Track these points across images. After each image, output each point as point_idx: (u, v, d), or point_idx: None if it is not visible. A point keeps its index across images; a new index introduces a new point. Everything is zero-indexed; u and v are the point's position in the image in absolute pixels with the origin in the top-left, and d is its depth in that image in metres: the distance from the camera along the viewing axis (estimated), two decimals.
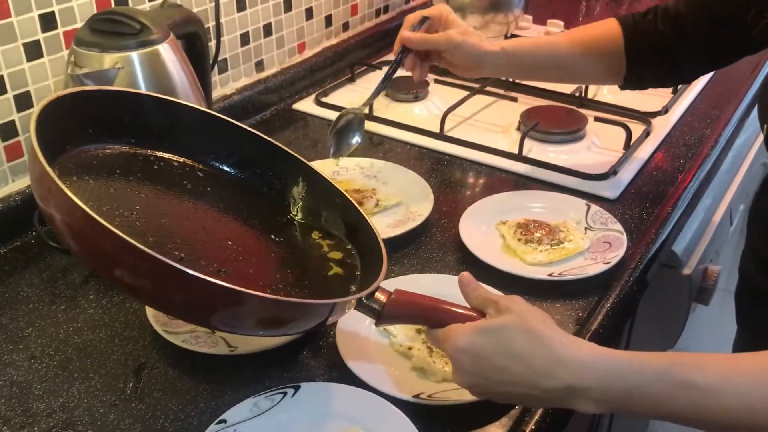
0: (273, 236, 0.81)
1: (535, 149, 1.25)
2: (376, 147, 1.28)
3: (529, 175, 1.18)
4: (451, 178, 1.18)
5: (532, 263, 0.96)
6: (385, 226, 1.03)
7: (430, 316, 0.71)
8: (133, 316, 0.87)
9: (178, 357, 0.82)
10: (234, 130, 0.85)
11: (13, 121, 0.99)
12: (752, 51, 0.96)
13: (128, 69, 0.89)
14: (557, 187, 1.14)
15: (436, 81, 1.45)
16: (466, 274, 0.74)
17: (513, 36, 1.63)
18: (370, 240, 0.80)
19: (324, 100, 1.40)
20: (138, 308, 0.88)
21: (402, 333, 0.83)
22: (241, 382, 0.78)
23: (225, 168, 0.85)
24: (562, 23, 1.72)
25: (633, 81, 1.06)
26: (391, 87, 1.41)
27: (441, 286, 0.89)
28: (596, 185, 1.14)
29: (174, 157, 0.82)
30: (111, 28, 0.89)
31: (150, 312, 0.85)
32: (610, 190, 1.13)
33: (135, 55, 0.89)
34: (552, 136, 1.27)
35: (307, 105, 1.40)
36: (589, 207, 1.06)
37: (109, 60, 0.88)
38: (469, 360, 0.66)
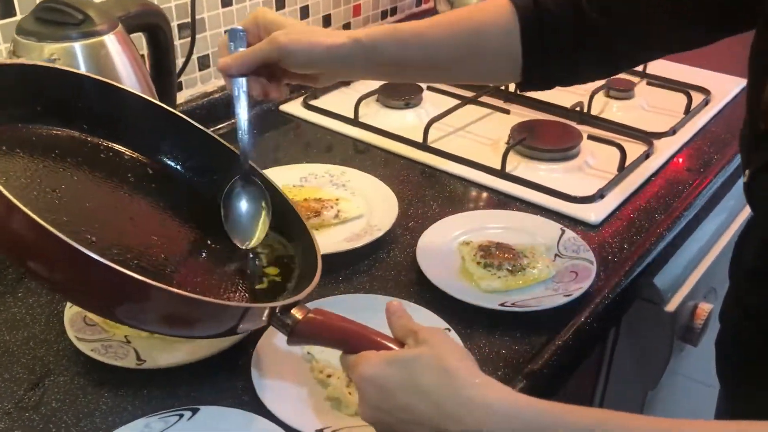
0: (209, 242, 0.78)
1: (522, 166, 1.17)
2: (360, 154, 1.22)
3: (510, 194, 1.10)
4: (427, 192, 1.11)
5: (486, 290, 0.88)
6: (342, 238, 0.97)
7: (346, 341, 0.66)
8: (55, 318, 0.84)
9: (88, 366, 0.77)
10: (195, 133, 0.83)
11: None
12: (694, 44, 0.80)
13: (69, 61, 0.85)
14: (539, 208, 1.07)
15: (429, 88, 1.38)
16: (394, 302, 0.68)
17: None
18: (310, 255, 0.77)
19: (312, 103, 1.35)
20: (62, 311, 0.84)
21: (325, 358, 0.77)
22: (145, 399, 0.74)
23: (179, 170, 0.83)
24: None
25: (535, 81, 0.84)
26: (382, 92, 1.35)
27: (379, 308, 0.84)
28: (580, 208, 1.06)
29: (127, 151, 0.81)
30: (54, 18, 0.85)
31: (67, 316, 0.81)
32: (595, 214, 1.05)
33: (77, 46, 0.85)
34: (542, 153, 1.19)
35: (294, 107, 1.35)
36: (563, 232, 0.98)
37: (48, 50, 0.84)
38: (374, 392, 0.60)
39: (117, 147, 0.80)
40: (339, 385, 0.73)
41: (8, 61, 0.73)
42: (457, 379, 0.58)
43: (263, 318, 0.67)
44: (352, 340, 0.66)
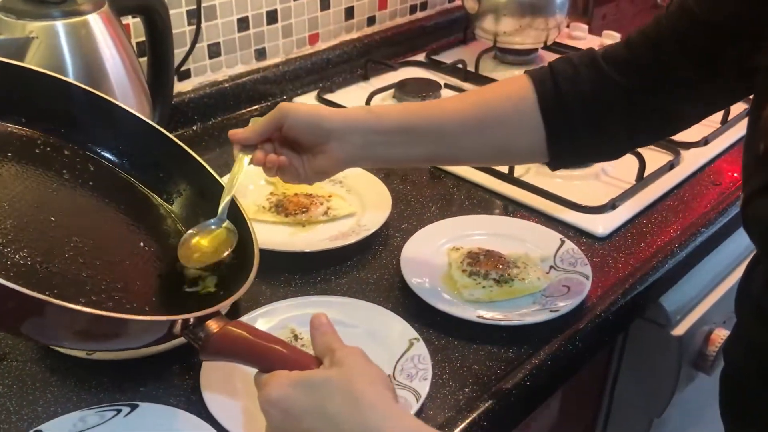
0: (142, 244, 0.72)
1: (533, 171, 1.11)
2: None
3: (516, 200, 1.04)
4: (427, 193, 1.06)
5: (468, 299, 0.83)
6: (326, 237, 0.94)
7: (259, 358, 0.60)
8: None
9: (43, 353, 0.76)
10: (144, 130, 0.78)
11: None
12: (707, 112, 0.77)
13: (51, 41, 0.84)
14: (545, 217, 1.00)
15: (446, 85, 1.33)
16: (319, 315, 0.63)
17: (555, 44, 1.48)
18: (248, 264, 0.70)
19: (327, 96, 1.31)
20: None
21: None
22: (92, 392, 0.71)
23: (124, 166, 0.78)
24: (618, 35, 1.55)
25: (564, 154, 0.78)
26: (399, 88, 1.30)
27: (350, 313, 0.80)
28: (588, 219, 0.99)
29: (68, 146, 0.75)
30: None
31: None
32: (603, 226, 0.98)
33: (59, 25, 0.84)
34: None
35: (308, 100, 1.32)
36: (562, 243, 0.92)
37: (29, 28, 0.83)
38: (278, 415, 0.56)
39: (55, 141, 0.75)
40: None
41: None
42: (364, 406, 0.54)
43: (175, 330, 0.60)
44: (267, 358, 0.60)
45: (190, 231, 0.75)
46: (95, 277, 0.65)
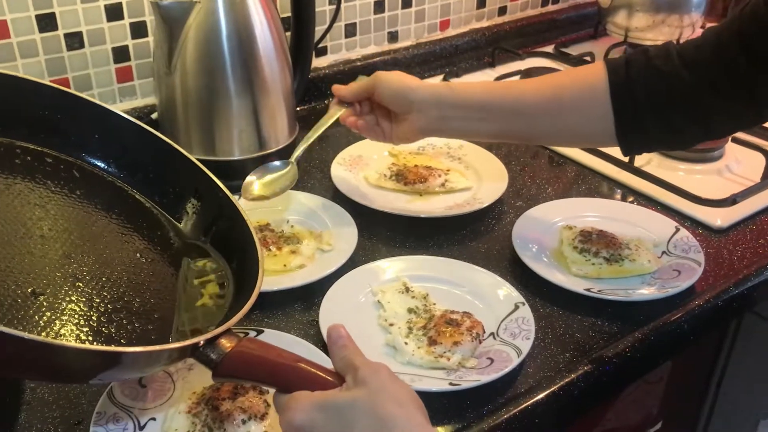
0: (138, 255, 0.68)
1: (655, 163, 1.11)
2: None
3: (633, 188, 1.05)
4: (545, 176, 1.08)
5: (577, 274, 0.85)
6: (441, 206, 0.98)
7: (275, 379, 0.57)
8: None
9: None
10: (126, 127, 0.73)
11: (126, 46, 1.08)
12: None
13: (211, 6, 0.93)
14: (662, 206, 1.00)
15: None
16: (337, 327, 0.59)
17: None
18: (253, 270, 0.65)
19: (454, 80, 1.36)
20: None
21: (391, 308, 0.79)
22: None
23: (111, 170, 0.73)
24: None
25: (632, 141, 0.79)
26: (524, 76, 1.33)
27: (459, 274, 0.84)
28: (706, 211, 0.98)
29: (48, 151, 0.70)
30: None
31: None
32: (721, 219, 0.97)
33: None
34: (679, 152, 1.12)
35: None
36: (677, 230, 0.92)
37: None
38: None
39: (35, 148, 0.69)
40: (397, 335, 0.74)
41: None
42: (393, 427, 0.51)
43: (185, 353, 0.56)
44: (285, 377, 0.57)
45: (254, 171, 0.85)
46: (90, 299, 0.60)
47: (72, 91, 0.72)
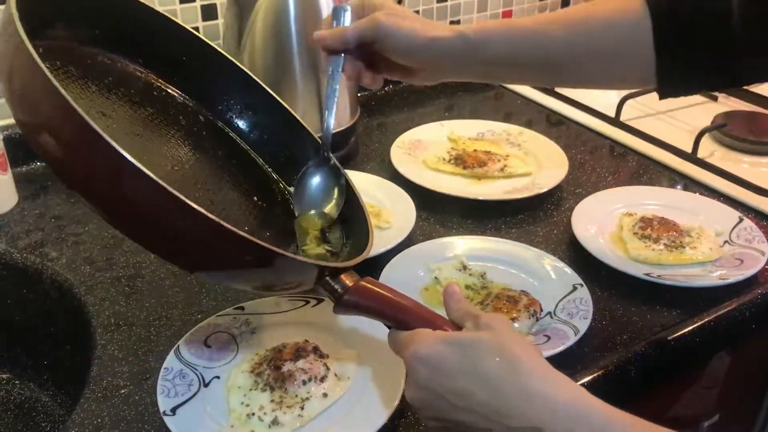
0: (256, 198, 0.72)
1: (718, 154, 1.09)
2: (554, 126, 1.21)
3: (697, 179, 1.03)
4: (606, 164, 1.08)
5: (636, 259, 0.84)
6: (500, 190, 0.99)
7: (396, 315, 0.60)
8: None
9: None
10: (255, 88, 0.77)
11: (197, 28, 1.12)
12: None
13: None
14: (725, 197, 0.99)
15: None
16: (452, 285, 0.62)
17: None
18: (361, 229, 0.70)
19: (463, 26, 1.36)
20: None
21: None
22: None
23: (233, 122, 0.77)
24: None
25: (675, 84, 0.70)
26: None
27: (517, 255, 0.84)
28: None
29: (180, 94, 0.75)
30: None
31: None
32: None
33: None
34: (747, 144, 1.10)
35: None
36: (740, 220, 0.90)
37: None
38: (427, 372, 0.54)
39: (169, 88, 0.74)
40: None
41: None
42: (523, 370, 0.52)
43: (312, 278, 0.60)
44: (404, 316, 0.59)
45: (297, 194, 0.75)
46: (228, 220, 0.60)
47: (213, 44, 0.76)
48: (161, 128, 0.70)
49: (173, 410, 0.63)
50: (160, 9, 0.72)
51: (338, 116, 1.05)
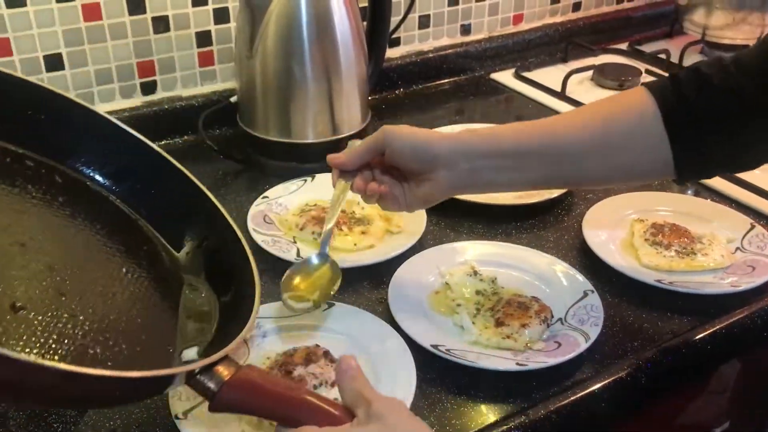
0: (125, 270, 0.63)
1: None
2: None
3: (709, 185, 1.03)
4: None
5: (647, 266, 0.84)
6: (511, 195, 0.98)
7: (282, 410, 0.54)
8: (242, 215, 0.95)
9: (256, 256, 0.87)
10: (114, 132, 0.69)
11: (209, 31, 1.12)
12: None
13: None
14: (737, 204, 0.98)
15: (647, 71, 1.32)
16: (347, 358, 0.56)
17: None
18: (247, 294, 0.62)
19: (525, 74, 1.36)
20: (247, 210, 0.94)
21: (459, 289, 0.80)
22: None
23: (96, 177, 0.68)
24: None
25: (692, 168, 0.70)
26: (597, 70, 1.32)
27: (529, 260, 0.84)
28: None
29: (31, 154, 0.65)
30: None
31: (250, 212, 0.92)
32: None
33: None
34: None
35: (505, 77, 1.37)
36: (752, 227, 0.90)
37: None
38: None
39: (17, 150, 0.64)
40: (464, 314, 0.75)
41: None
42: None
43: (176, 383, 0.52)
44: (290, 409, 0.53)
45: (291, 268, 0.73)
46: (72, 317, 0.55)
47: (59, 91, 0.66)
48: (11, 201, 0.60)
49: (185, 414, 0.64)
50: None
51: (350, 118, 1.06)
